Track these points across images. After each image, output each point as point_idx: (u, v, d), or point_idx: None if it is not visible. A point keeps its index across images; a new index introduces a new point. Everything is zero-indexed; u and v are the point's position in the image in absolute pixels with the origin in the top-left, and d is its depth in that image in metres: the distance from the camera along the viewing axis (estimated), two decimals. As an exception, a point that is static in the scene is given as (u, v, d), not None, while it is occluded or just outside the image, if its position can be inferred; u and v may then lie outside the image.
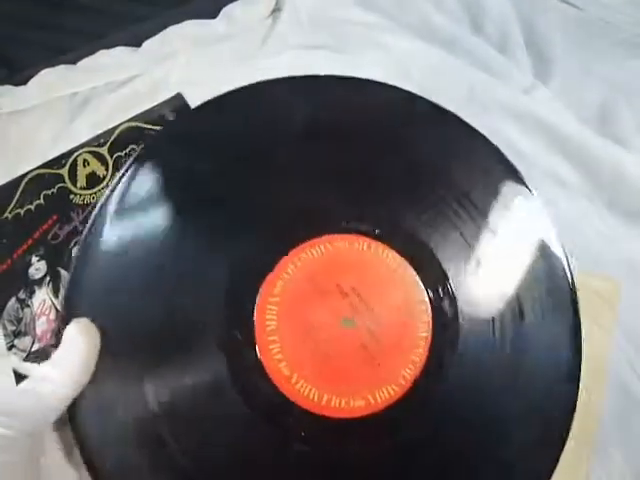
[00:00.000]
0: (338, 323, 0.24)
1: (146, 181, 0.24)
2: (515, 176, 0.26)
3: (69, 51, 0.34)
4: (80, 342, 0.21)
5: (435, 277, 0.24)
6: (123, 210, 0.24)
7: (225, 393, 0.22)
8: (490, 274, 0.25)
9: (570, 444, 0.23)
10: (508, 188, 0.25)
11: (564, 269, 0.25)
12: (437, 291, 0.24)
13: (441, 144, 0.26)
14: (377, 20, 0.38)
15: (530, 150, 0.34)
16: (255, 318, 0.23)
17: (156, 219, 0.24)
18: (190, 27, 0.39)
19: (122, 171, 0.25)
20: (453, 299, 0.24)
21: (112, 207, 0.24)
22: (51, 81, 0.31)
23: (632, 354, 0.32)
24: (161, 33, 0.39)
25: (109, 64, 0.37)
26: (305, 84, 0.26)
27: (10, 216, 0.33)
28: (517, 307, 0.24)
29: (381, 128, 0.26)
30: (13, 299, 0.32)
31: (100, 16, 0.36)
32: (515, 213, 0.26)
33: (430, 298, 0.24)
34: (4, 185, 0.34)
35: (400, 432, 0.23)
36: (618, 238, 0.34)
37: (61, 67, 0.34)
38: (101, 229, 0.24)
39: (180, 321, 0.23)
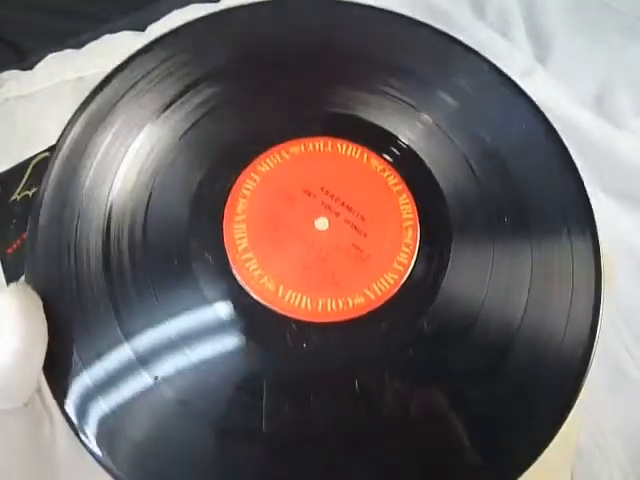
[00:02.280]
0: (313, 225, 0.22)
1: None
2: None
3: (75, 36, 0.33)
4: (14, 308, 0.19)
5: (403, 156, 0.23)
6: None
7: (212, 324, 0.20)
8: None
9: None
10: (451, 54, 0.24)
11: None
12: (411, 170, 0.22)
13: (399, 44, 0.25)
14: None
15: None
16: (225, 241, 0.21)
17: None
18: (194, 11, 0.39)
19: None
20: (429, 172, 0.23)
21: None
22: (57, 66, 0.30)
23: (624, 332, 0.30)
24: (165, 17, 0.39)
25: (114, 48, 0.36)
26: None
27: (19, 198, 0.34)
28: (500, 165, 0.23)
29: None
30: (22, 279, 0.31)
31: (105, 1, 0.36)
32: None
33: (405, 178, 0.22)
34: (12, 168, 0.35)
35: (409, 324, 0.20)
36: (612, 219, 0.34)
37: (67, 52, 0.33)
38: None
39: (146, 262, 0.21)
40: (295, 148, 0.23)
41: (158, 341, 0.20)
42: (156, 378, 0.19)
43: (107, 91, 0.23)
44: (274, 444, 0.19)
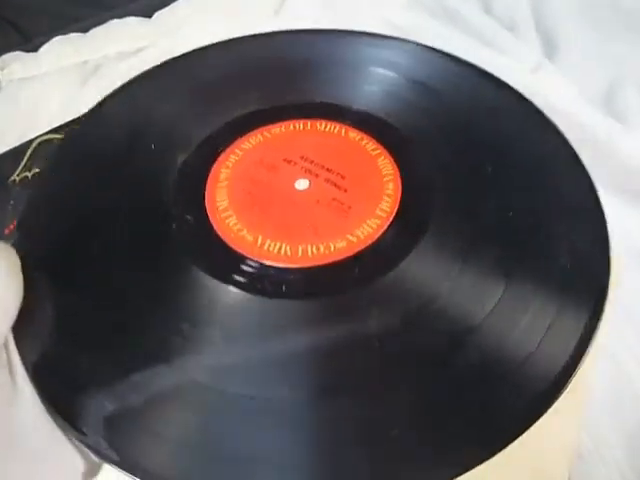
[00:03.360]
0: (293, 186, 0.22)
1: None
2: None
3: (81, 20, 0.34)
4: None
5: (379, 127, 0.23)
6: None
7: (192, 276, 0.19)
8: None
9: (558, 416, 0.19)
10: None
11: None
12: (389, 138, 0.23)
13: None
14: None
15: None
16: (206, 202, 0.21)
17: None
18: None
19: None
20: (409, 142, 0.23)
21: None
22: (62, 49, 0.31)
23: (629, 333, 0.28)
24: (172, 4, 0.39)
25: (120, 34, 0.36)
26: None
27: (18, 179, 0.33)
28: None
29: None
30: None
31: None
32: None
33: (383, 144, 0.23)
34: (13, 149, 0.34)
35: (394, 264, 0.19)
36: (616, 218, 0.33)
37: (73, 35, 0.33)
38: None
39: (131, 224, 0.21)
40: (276, 129, 0.24)
41: (143, 302, 0.19)
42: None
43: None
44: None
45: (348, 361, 0.17)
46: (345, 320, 0.18)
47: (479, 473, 0.15)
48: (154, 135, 0.24)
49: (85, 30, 0.36)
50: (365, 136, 0.23)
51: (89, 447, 0.16)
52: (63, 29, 0.33)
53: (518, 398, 0.16)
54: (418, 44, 0.27)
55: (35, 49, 0.34)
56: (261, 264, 0.19)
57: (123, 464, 0.16)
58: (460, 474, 0.15)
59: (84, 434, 0.17)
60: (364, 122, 0.24)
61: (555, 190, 0.21)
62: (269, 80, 0.26)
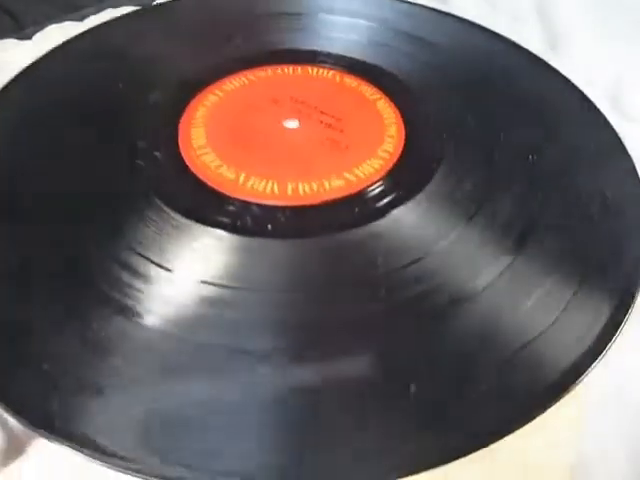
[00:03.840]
0: (282, 125, 0.19)
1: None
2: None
3: (77, 9, 0.32)
4: None
5: (378, 74, 0.21)
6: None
7: (168, 220, 0.16)
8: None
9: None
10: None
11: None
12: (390, 86, 0.20)
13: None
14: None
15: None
16: (179, 140, 0.18)
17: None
18: None
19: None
20: (409, 88, 0.20)
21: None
22: (57, 37, 0.29)
23: None
24: None
25: None
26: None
27: None
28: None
29: None
30: None
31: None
32: None
33: (382, 90, 0.20)
34: None
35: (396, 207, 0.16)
36: None
37: (67, 23, 0.32)
38: None
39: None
40: (262, 72, 0.21)
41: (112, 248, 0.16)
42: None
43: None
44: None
45: (337, 308, 0.14)
46: (339, 263, 0.15)
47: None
48: (125, 74, 0.21)
49: (80, 19, 0.34)
50: (362, 82, 0.21)
51: (16, 415, 0.13)
52: (59, 17, 0.32)
53: (506, 396, 0.13)
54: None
55: (29, 37, 0.32)
56: (244, 202, 0.16)
57: (65, 435, 0.12)
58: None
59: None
60: (360, 69, 0.21)
61: (575, 134, 0.19)
62: (254, 27, 0.23)
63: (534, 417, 0.13)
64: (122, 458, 0.12)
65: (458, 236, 0.16)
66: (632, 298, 0.15)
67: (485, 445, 0.12)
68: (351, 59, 0.22)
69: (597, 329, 0.14)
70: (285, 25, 0.23)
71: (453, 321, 0.14)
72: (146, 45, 0.22)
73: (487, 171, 0.17)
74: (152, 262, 0.15)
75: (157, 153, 0.17)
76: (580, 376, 0.13)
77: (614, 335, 0.14)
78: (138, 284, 0.14)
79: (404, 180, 0.17)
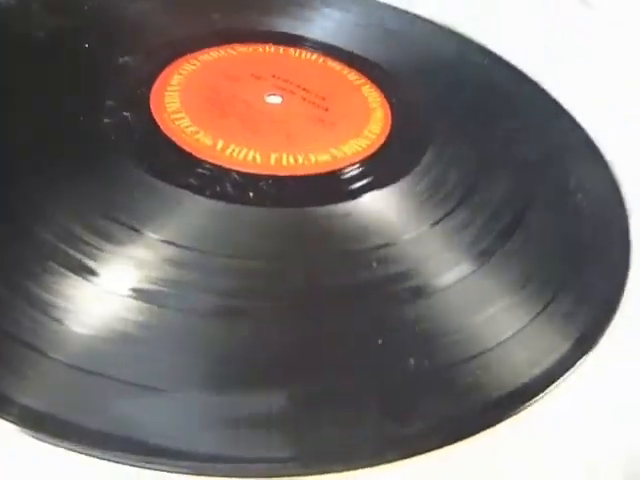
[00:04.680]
0: (263, 99, 0.18)
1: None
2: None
3: None
4: None
5: (361, 62, 0.20)
6: None
7: (140, 182, 0.14)
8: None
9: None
10: None
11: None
12: (373, 73, 0.20)
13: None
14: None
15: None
16: (151, 103, 0.16)
17: None
18: None
19: None
20: (393, 75, 0.20)
21: None
22: None
23: None
24: None
25: None
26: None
27: None
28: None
29: None
30: None
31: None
32: None
33: (367, 76, 0.20)
34: None
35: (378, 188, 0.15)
36: None
37: None
38: None
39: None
40: (243, 48, 0.20)
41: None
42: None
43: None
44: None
45: (310, 277, 0.13)
46: (313, 236, 0.14)
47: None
48: (99, 32, 0.19)
49: None
50: (346, 67, 0.20)
51: None
52: None
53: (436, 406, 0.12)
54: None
55: None
56: (223, 168, 0.15)
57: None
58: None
59: None
60: (345, 56, 0.21)
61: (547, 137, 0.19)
62: (238, 4, 0.23)
63: (464, 437, 0.11)
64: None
65: (426, 232, 0.15)
66: (598, 331, 0.14)
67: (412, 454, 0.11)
68: (337, 47, 0.21)
69: (553, 357, 0.13)
70: (269, 7, 0.22)
71: (403, 312, 0.13)
72: (125, 4, 0.20)
73: (467, 172, 0.17)
74: (121, 223, 0.13)
75: (126, 113, 0.16)
76: (524, 402, 0.12)
77: (569, 368, 0.13)
78: (100, 243, 0.12)
79: (385, 165, 0.16)
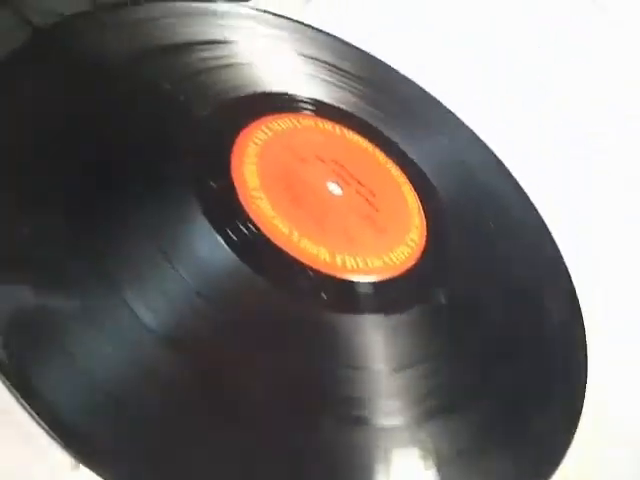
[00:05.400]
0: (326, 187, 0.20)
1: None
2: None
3: None
4: None
5: (402, 158, 0.23)
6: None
7: (220, 257, 0.15)
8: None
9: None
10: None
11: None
12: (410, 169, 0.23)
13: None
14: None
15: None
16: (232, 173, 0.18)
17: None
18: None
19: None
20: (424, 174, 0.23)
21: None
22: None
23: None
24: None
25: None
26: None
27: None
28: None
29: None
30: None
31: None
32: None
33: (406, 173, 0.22)
34: None
35: (428, 290, 0.18)
36: None
37: None
38: None
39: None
40: (308, 121, 0.22)
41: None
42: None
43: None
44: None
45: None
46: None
47: None
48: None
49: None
50: (389, 160, 0.23)
51: None
52: None
53: None
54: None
55: None
56: (299, 262, 0.17)
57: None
58: None
59: None
60: (389, 147, 0.23)
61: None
62: (305, 70, 0.24)
63: None
64: None
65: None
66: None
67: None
68: (383, 135, 0.23)
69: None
70: (335, 80, 0.24)
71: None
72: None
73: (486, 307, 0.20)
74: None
75: (212, 184, 0.17)
76: None
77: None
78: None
79: (423, 278, 0.19)
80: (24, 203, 0.15)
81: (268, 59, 0.23)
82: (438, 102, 0.26)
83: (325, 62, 0.24)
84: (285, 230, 0.17)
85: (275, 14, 0.25)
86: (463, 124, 0.26)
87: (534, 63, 0.34)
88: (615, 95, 0.34)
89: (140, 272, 0.14)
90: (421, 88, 0.27)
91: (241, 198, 0.17)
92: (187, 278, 0.15)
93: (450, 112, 0.27)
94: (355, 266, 0.18)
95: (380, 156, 0.23)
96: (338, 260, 0.18)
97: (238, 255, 0.16)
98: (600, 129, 0.32)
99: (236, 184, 0.18)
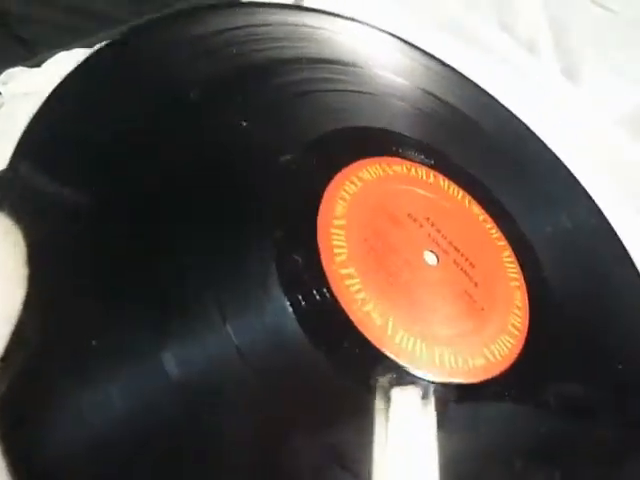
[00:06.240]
0: (422, 257, 0.17)
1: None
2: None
3: (88, 35, 0.28)
4: None
5: (503, 214, 0.20)
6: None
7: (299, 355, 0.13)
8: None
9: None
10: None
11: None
12: (512, 227, 0.20)
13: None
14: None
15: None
16: (319, 242, 0.15)
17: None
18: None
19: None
20: (527, 242, 0.20)
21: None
22: (66, 64, 0.24)
23: None
24: None
25: None
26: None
27: None
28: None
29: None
30: None
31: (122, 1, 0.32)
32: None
33: (506, 235, 0.19)
34: None
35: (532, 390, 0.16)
36: None
37: (76, 50, 0.27)
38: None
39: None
40: (398, 167, 0.19)
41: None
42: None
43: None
44: None
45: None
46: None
47: None
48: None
49: (90, 46, 0.31)
50: (488, 218, 0.20)
51: None
52: (68, 44, 0.29)
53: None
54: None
55: (39, 64, 0.29)
56: (396, 363, 0.14)
57: None
58: None
59: None
60: (489, 202, 0.20)
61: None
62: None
63: None
64: None
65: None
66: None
67: None
68: (483, 186, 0.20)
69: None
70: (425, 117, 0.21)
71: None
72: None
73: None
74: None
75: (297, 257, 0.14)
76: None
77: None
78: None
79: (533, 362, 0.16)
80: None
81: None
82: (563, 166, 0.23)
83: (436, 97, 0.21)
84: (379, 321, 0.15)
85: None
86: (589, 198, 0.23)
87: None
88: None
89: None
90: (545, 146, 0.23)
91: (329, 278, 0.15)
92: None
93: (576, 181, 0.24)
94: (454, 365, 0.15)
95: (477, 212, 0.19)
96: (437, 357, 0.15)
97: (326, 357, 0.13)
98: None
99: (322, 256, 0.15)
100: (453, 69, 0.24)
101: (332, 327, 0.14)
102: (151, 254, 0.13)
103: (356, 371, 0.14)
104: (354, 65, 0.21)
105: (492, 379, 0.15)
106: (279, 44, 0.19)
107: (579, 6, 0.37)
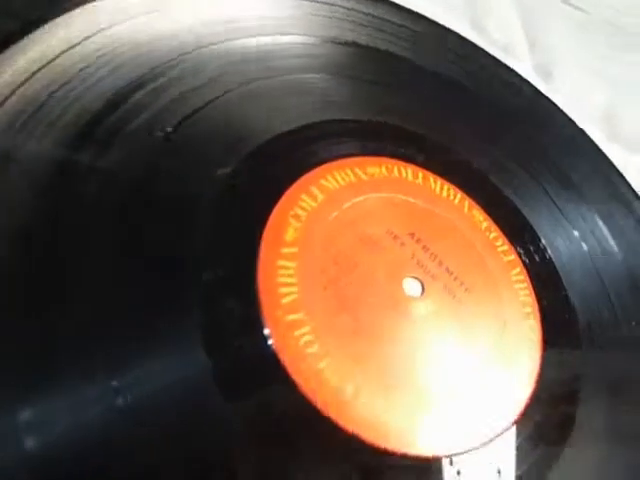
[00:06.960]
0: (401, 288, 0.13)
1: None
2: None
3: None
4: None
5: (511, 217, 0.16)
6: None
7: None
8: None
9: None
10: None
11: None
12: (522, 240, 0.16)
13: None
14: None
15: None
16: (259, 281, 0.12)
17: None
18: None
19: None
20: (544, 250, 0.16)
21: None
22: None
23: None
24: None
25: None
26: None
27: None
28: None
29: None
30: None
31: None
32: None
33: (516, 247, 0.16)
34: None
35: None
36: None
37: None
38: None
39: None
40: (375, 168, 0.15)
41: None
42: None
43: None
44: None
45: None
46: None
47: None
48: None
49: None
50: (493, 225, 0.16)
51: None
52: None
53: None
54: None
55: None
56: (352, 440, 0.11)
57: None
58: None
59: None
60: (493, 203, 0.16)
61: None
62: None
63: None
64: None
65: None
66: None
67: None
68: (485, 178, 0.16)
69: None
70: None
71: None
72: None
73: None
74: None
75: (229, 303, 0.11)
76: None
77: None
78: None
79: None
80: None
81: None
82: (608, 162, 0.18)
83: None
84: (334, 382, 0.11)
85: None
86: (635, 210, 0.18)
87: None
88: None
89: None
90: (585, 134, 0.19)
91: (269, 324, 0.11)
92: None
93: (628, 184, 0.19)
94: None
95: (480, 218, 0.16)
96: (414, 428, 0.12)
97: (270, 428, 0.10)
98: None
99: (262, 299, 0.12)
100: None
101: (267, 392, 0.11)
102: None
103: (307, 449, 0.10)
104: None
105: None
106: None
107: (552, 6, 0.36)
